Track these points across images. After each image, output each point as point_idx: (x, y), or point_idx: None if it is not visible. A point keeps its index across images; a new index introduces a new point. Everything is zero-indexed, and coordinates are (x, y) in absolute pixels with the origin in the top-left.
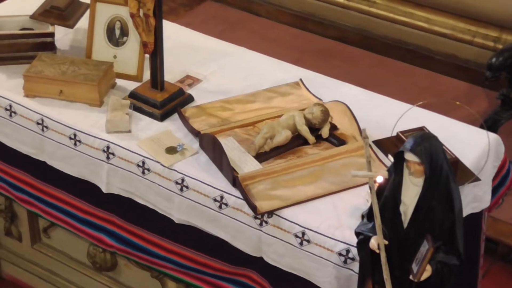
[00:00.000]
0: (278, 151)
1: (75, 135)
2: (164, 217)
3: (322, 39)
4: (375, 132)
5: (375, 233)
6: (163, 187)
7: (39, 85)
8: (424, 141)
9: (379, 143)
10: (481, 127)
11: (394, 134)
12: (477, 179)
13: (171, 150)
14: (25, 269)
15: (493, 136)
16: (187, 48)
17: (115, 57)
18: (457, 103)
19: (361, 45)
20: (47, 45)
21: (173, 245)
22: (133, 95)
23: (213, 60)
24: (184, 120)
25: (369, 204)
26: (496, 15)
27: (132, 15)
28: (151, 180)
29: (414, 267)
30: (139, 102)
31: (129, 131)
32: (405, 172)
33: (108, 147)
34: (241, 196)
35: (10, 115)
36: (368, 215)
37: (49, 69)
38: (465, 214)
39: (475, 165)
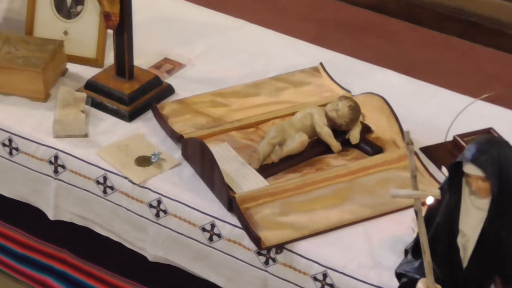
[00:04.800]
0: (290, 162)
1: (10, 140)
2: (133, 253)
3: (351, 8)
4: (424, 135)
5: (423, 275)
6: (133, 212)
7: None
8: (491, 148)
9: (429, 151)
10: None
11: (450, 138)
12: None
13: (143, 162)
14: None
15: None
16: (165, 22)
17: (66, 33)
18: None
19: (405, 16)
20: None
21: None
22: (91, 85)
23: (200, 38)
24: (162, 120)
25: (415, 235)
26: None
27: None
28: (115, 202)
29: None
30: (99, 96)
31: (86, 135)
32: (465, 190)
33: (56, 157)
34: (239, 224)
35: None
36: (414, 250)
37: None
38: None
39: None
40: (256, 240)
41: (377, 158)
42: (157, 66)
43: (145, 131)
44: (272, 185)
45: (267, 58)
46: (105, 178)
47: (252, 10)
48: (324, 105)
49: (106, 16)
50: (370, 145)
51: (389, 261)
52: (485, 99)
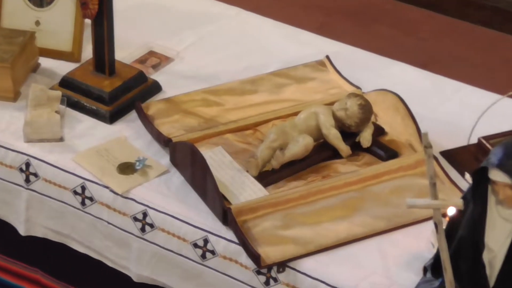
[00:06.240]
0: (293, 169)
1: None
2: (116, 272)
3: None
4: (444, 137)
5: None
6: (115, 226)
7: None
8: None
9: (451, 155)
10: None
11: (474, 140)
12: None
13: (126, 169)
14: None
15: None
16: (150, 10)
17: (37, 23)
18: None
19: (422, 2)
20: None
21: None
22: (66, 82)
23: (190, 28)
24: (147, 121)
25: (435, 250)
26: None
27: None
28: (95, 215)
29: None
30: (76, 94)
31: (61, 139)
32: (491, 200)
33: (28, 165)
34: (235, 239)
35: None
36: (434, 268)
37: None
38: None
39: None
40: (255, 257)
41: (392, 163)
42: (142, 60)
43: (128, 134)
44: (273, 194)
45: (266, 51)
46: (83, 188)
47: None
48: (331, 103)
49: (83, 4)
50: (383, 149)
51: (406, 280)
52: None
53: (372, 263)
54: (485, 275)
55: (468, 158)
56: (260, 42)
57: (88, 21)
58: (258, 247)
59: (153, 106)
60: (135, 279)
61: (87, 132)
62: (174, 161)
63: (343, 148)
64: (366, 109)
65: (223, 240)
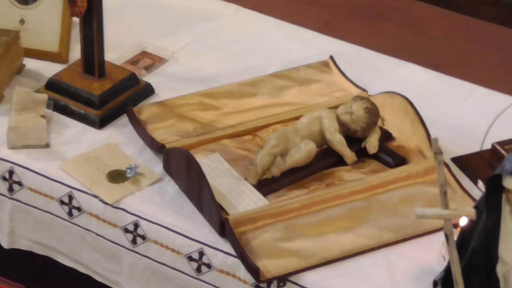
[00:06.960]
0: (295, 177)
1: None
2: (106, 287)
3: None
4: (456, 143)
5: None
6: (104, 238)
7: None
8: None
9: (463, 162)
10: None
11: (487, 146)
12: None
13: (117, 177)
14: None
15: None
16: (142, 7)
17: (22, 22)
18: None
19: None
20: None
21: None
22: (53, 85)
23: (186, 27)
24: (139, 126)
25: (445, 263)
26: None
27: None
28: (83, 226)
29: None
30: (63, 97)
31: (47, 146)
32: (505, 209)
33: (11, 173)
34: (233, 252)
35: None
36: (445, 282)
37: None
38: None
39: None
40: (254, 270)
41: (400, 170)
42: (134, 61)
43: (119, 139)
44: (273, 204)
45: (267, 51)
46: (70, 197)
47: None
48: (336, 107)
49: (71, 1)
50: (391, 155)
51: None
52: None
53: (379, 276)
54: None
55: (481, 164)
56: (260, 42)
57: (76, 20)
58: (258, 260)
59: (145, 110)
60: None
61: (75, 138)
62: (168, 168)
63: (348, 154)
64: (373, 113)
65: (220, 253)
